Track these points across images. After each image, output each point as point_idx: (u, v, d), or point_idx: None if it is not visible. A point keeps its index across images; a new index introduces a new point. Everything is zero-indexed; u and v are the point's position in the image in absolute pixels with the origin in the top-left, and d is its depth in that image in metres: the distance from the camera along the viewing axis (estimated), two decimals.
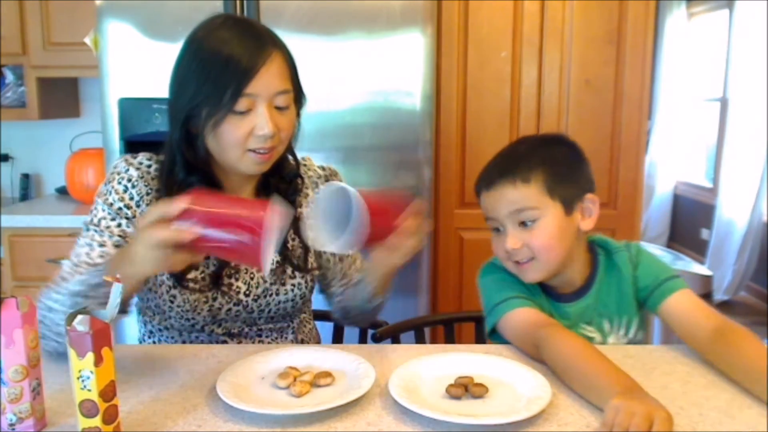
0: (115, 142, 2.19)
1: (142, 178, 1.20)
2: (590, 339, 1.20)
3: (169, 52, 2.10)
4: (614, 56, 2.35)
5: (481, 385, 0.95)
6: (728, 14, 4.73)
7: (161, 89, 2.11)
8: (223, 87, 1.09)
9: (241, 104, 1.10)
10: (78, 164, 2.67)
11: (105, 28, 2.12)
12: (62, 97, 2.86)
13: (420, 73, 2.12)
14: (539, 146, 1.22)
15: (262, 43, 1.12)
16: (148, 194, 1.20)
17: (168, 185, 1.18)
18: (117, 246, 1.17)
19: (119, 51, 2.13)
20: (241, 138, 1.12)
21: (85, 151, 2.73)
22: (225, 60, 1.09)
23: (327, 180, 1.36)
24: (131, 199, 1.19)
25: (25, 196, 2.97)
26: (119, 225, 1.18)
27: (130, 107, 2.15)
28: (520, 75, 2.37)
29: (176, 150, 1.17)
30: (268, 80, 1.11)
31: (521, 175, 1.15)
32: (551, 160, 1.18)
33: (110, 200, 1.19)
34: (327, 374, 1.00)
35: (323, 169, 1.38)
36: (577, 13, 2.33)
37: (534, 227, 1.15)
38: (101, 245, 1.17)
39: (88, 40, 2.41)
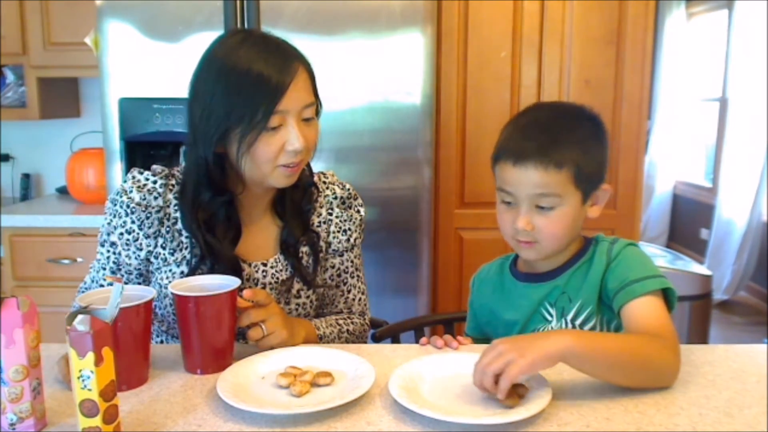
0: (116, 142, 2.19)
1: (144, 199, 1.20)
2: (547, 321, 1.19)
3: (169, 52, 2.13)
4: (614, 56, 2.35)
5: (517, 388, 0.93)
6: (728, 14, 4.73)
7: (161, 89, 2.14)
8: (255, 106, 1.09)
9: (273, 121, 1.11)
10: (78, 164, 2.67)
11: (105, 28, 2.12)
12: (62, 97, 2.86)
13: (420, 73, 2.12)
14: (577, 127, 1.15)
15: (288, 58, 1.13)
16: (148, 217, 1.20)
17: (193, 206, 1.19)
18: (113, 272, 1.24)
19: (119, 51, 2.13)
20: (273, 154, 1.13)
21: (85, 150, 2.73)
22: (254, 79, 1.09)
23: (344, 203, 1.34)
24: (132, 223, 1.20)
25: (25, 196, 2.97)
26: (108, 252, 1.23)
27: (130, 107, 2.15)
28: (520, 75, 2.37)
29: (202, 171, 1.17)
30: (296, 95, 1.12)
31: (555, 159, 1.09)
32: (585, 144, 1.13)
33: (107, 229, 1.23)
34: (327, 374, 1.00)
35: (343, 188, 1.35)
36: (577, 13, 2.33)
37: (550, 213, 1.12)
38: (103, 267, 1.25)
39: (88, 40, 2.41)
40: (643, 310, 1.07)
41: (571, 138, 1.12)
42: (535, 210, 1.12)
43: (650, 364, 0.99)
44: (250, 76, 1.10)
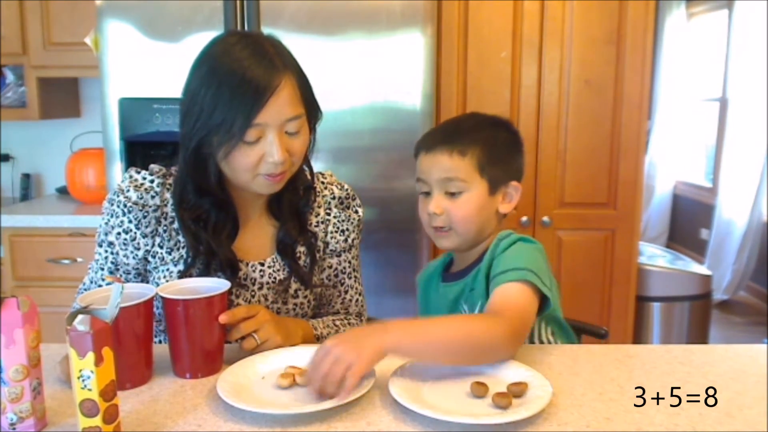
0: (116, 142, 2.19)
1: (141, 198, 1.20)
2: None
3: (169, 52, 2.14)
4: (614, 56, 2.35)
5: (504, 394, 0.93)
6: (727, 14, 4.73)
7: (161, 89, 2.15)
8: (233, 117, 1.08)
9: (250, 135, 1.10)
10: (78, 164, 2.67)
11: (105, 28, 2.12)
12: (62, 97, 2.86)
13: (420, 73, 2.12)
14: (485, 126, 1.28)
15: (274, 70, 1.10)
16: (145, 216, 1.20)
17: (181, 205, 1.20)
18: (111, 272, 1.23)
19: (119, 51, 2.13)
20: (251, 165, 1.12)
21: (85, 151, 2.73)
22: (236, 87, 1.08)
23: (342, 203, 1.33)
24: (130, 222, 1.20)
25: (25, 196, 2.97)
26: (106, 252, 1.22)
27: (130, 107, 2.15)
28: (520, 75, 2.37)
29: (186, 174, 1.18)
30: (277, 109, 1.10)
31: (459, 147, 1.21)
32: (491, 141, 1.24)
33: (105, 229, 1.22)
34: None
35: (342, 188, 1.34)
36: (577, 13, 2.33)
37: (458, 198, 1.21)
38: (101, 268, 1.24)
39: (88, 40, 2.41)
40: (496, 294, 1.11)
41: (475, 134, 1.24)
42: (445, 196, 1.22)
43: (477, 342, 1.01)
44: (232, 82, 1.08)
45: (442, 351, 1.01)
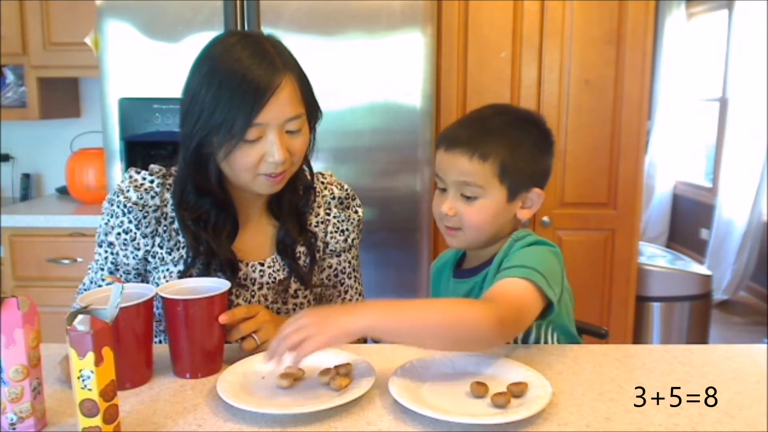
0: (116, 142, 2.19)
1: (141, 199, 1.20)
2: None
3: (169, 52, 2.14)
4: (614, 56, 2.35)
5: (503, 393, 0.93)
6: (727, 14, 4.73)
7: (161, 89, 2.15)
8: (233, 117, 1.08)
9: (251, 134, 1.10)
10: (78, 164, 2.67)
11: (105, 28, 2.12)
12: (62, 97, 2.86)
13: (420, 73, 2.12)
14: (514, 126, 1.20)
15: (274, 69, 1.10)
16: (145, 217, 1.20)
17: (181, 205, 1.20)
18: (111, 272, 1.23)
19: (119, 51, 2.13)
20: (252, 164, 1.12)
21: (85, 151, 2.73)
22: (237, 86, 1.08)
23: (342, 203, 1.33)
24: (130, 223, 1.20)
25: (25, 196, 2.97)
26: (106, 252, 1.22)
27: (130, 107, 2.15)
28: (520, 75, 2.37)
29: (186, 175, 1.18)
30: (277, 108, 1.10)
31: (481, 151, 1.15)
32: (517, 145, 1.17)
33: (105, 229, 1.22)
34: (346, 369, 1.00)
35: (342, 188, 1.34)
36: (577, 13, 2.33)
37: (473, 203, 1.17)
38: (101, 268, 1.24)
39: (88, 40, 2.41)
40: (496, 285, 1.08)
41: (502, 136, 1.17)
42: (461, 198, 1.18)
43: (459, 325, 0.98)
44: (233, 82, 1.08)
45: (421, 333, 0.98)
